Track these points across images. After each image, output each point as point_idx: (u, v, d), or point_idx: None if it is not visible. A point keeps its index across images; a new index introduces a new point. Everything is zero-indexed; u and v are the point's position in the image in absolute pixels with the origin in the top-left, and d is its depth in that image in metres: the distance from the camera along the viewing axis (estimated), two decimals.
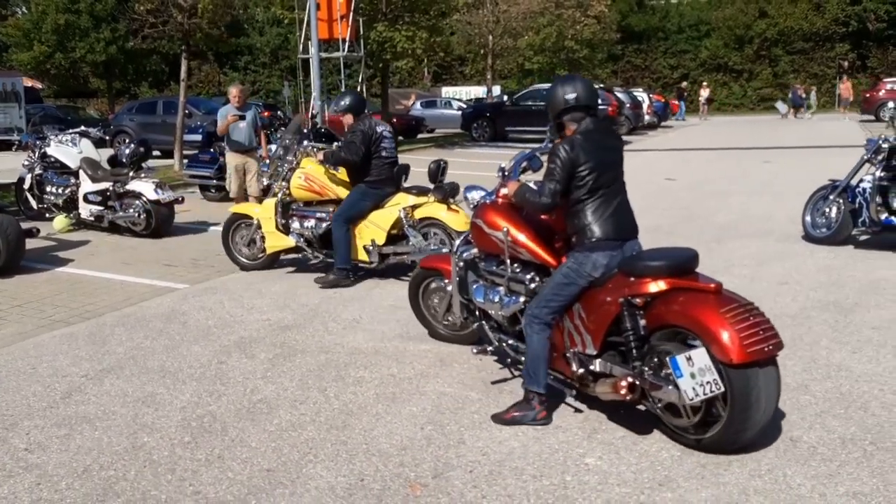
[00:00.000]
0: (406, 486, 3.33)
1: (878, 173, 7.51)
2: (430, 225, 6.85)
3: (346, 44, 19.60)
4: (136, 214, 9.37)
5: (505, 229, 4.18)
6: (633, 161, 19.15)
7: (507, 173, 4.48)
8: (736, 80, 46.27)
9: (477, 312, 4.66)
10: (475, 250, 4.62)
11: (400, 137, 25.85)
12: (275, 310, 6.17)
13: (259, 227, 7.46)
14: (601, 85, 26.17)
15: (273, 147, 8.37)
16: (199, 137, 15.62)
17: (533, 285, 4.16)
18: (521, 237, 4.16)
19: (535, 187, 4.03)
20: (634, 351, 3.62)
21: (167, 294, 6.76)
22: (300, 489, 3.32)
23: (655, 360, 3.57)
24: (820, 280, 6.57)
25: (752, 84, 45.75)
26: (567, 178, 3.78)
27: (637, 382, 3.58)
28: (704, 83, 41.64)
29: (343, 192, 7.06)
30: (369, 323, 5.77)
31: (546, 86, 25.68)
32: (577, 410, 4.07)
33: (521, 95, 25.22)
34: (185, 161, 14.28)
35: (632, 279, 3.63)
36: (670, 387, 3.44)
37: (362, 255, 6.92)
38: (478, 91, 38.87)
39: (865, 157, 7.83)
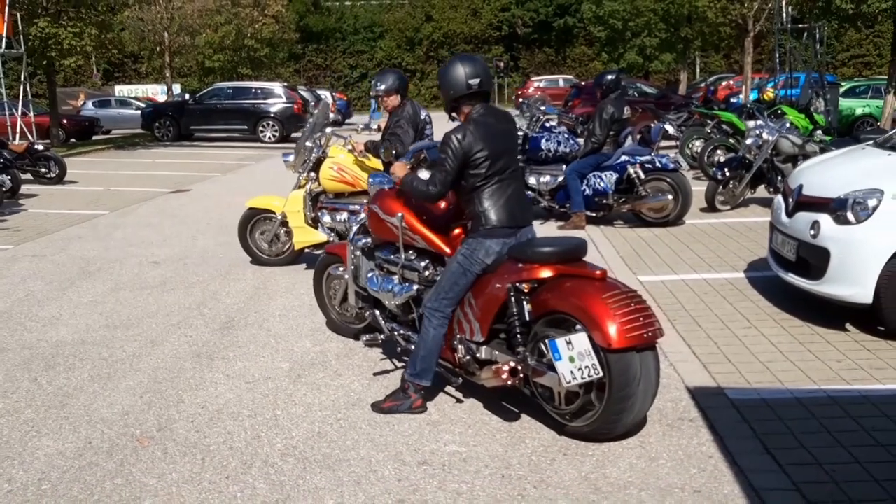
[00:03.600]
0: (133, 441, 3.74)
1: None
2: None
3: (3, 40, 18.03)
4: None
5: (399, 215, 4.12)
6: None
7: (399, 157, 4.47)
8: (410, 80, 49.46)
9: (371, 302, 4.60)
10: (370, 238, 4.57)
11: (72, 140, 24.21)
12: None
13: (284, 222, 6.94)
14: (285, 83, 26.76)
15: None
16: None
17: (427, 273, 4.10)
18: (416, 223, 4.11)
19: (424, 176, 4.02)
20: (519, 337, 3.60)
21: None
22: (29, 458, 3.58)
23: (540, 346, 3.55)
24: None
25: (424, 83, 49.29)
26: (459, 168, 3.70)
27: (519, 367, 3.54)
28: None
29: None
30: (70, 318, 5.87)
31: (230, 84, 25.69)
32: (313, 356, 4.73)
33: (204, 93, 24.94)
34: None
35: (520, 265, 3.63)
36: (552, 372, 3.42)
37: None
38: (156, 89, 37.37)
39: None
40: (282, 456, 3.53)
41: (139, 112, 26.62)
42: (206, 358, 4.90)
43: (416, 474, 3.32)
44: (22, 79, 19.86)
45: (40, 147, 14.32)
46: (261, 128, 23.56)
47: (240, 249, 7.68)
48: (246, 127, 23.59)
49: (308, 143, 6.97)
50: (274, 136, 23.43)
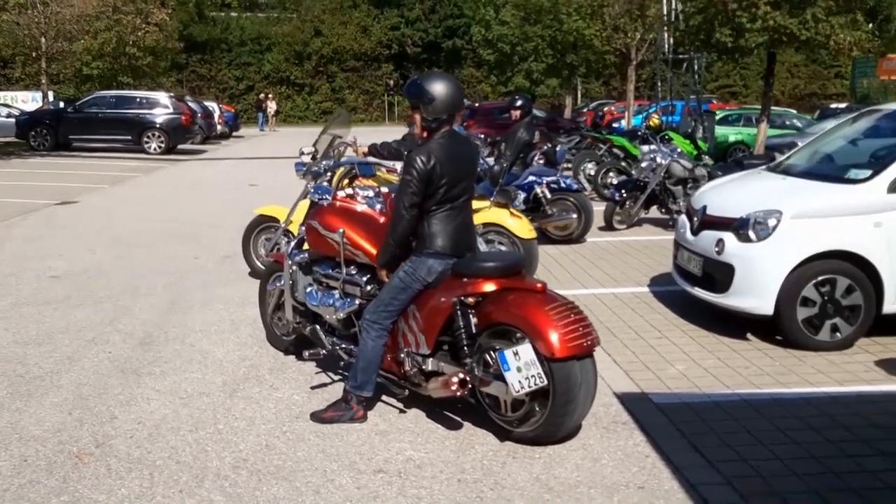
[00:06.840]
0: (72, 457, 3.62)
1: None
2: (491, 231, 6.50)
3: None
4: None
5: (341, 230, 4.22)
6: (215, 169, 19.47)
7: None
8: (299, 94, 49.08)
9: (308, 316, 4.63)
10: (306, 254, 4.64)
11: None
12: None
13: (286, 232, 6.25)
14: (171, 94, 25.98)
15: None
16: None
17: (369, 287, 4.17)
18: (358, 238, 4.20)
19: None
20: (466, 348, 3.72)
21: None
22: None
23: (486, 356, 3.70)
24: None
25: (313, 98, 48.95)
26: (424, 189, 3.74)
27: (468, 379, 3.66)
28: (270, 95, 43.34)
29: None
30: None
31: (112, 92, 24.69)
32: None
33: (84, 102, 23.84)
34: None
35: (465, 280, 3.76)
36: (499, 382, 3.58)
37: None
38: (26, 96, 35.31)
39: None
40: (233, 468, 3.51)
41: (13, 120, 25.11)
42: (131, 374, 4.77)
43: (374, 482, 3.39)
44: None
45: None
46: (146, 139, 22.73)
47: (140, 264, 7.46)
48: (129, 137, 22.71)
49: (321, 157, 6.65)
50: (160, 147, 22.65)
